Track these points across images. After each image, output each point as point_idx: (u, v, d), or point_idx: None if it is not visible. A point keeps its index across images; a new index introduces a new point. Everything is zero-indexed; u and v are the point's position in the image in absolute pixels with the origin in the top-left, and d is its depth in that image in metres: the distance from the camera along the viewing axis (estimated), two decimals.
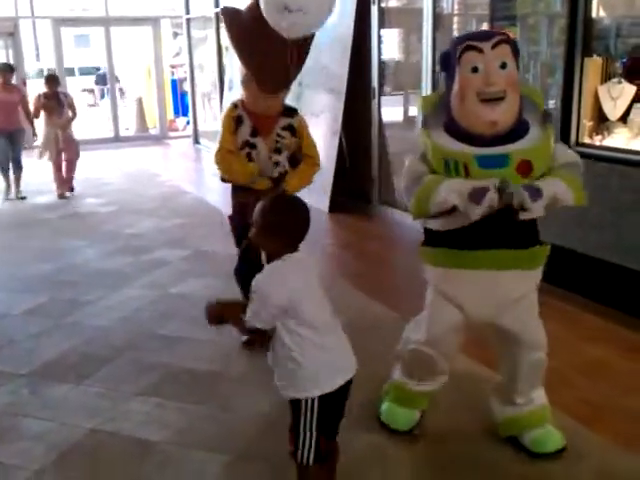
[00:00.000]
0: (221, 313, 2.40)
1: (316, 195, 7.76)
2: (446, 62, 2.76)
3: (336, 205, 7.60)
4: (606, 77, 4.91)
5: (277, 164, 3.90)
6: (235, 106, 3.93)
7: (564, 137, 4.81)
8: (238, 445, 3.09)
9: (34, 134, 9.49)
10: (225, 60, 11.64)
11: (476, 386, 3.47)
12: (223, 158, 3.89)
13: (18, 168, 8.98)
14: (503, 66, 2.58)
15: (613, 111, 4.83)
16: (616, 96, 4.82)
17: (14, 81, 9.28)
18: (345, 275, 5.52)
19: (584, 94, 4.84)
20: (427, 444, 3.07)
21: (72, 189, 9.29)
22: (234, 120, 3.88)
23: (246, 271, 3.43)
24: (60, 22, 13.86)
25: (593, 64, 4.87)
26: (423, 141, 2.75)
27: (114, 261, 6.11)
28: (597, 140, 4.85)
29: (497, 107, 2.57)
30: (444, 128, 2.72)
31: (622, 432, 3.12)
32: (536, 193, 2.49)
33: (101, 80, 18.97)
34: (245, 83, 3.89)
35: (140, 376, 3.81)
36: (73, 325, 4.59)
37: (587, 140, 4.87)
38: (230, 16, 3.82)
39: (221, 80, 11.73)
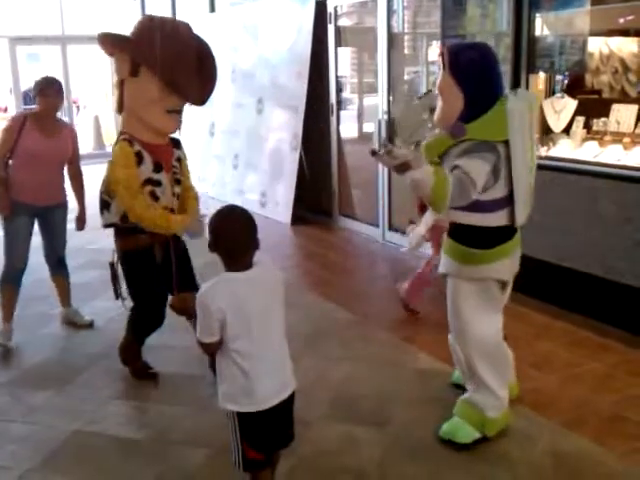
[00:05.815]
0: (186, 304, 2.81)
1: (279, 208, 8.02)
2: None
3: (298, 218, 7.84)
4: (550, 92, 5.27)
5: (178, 196, 3.77)
6: (130, 142, 3.54)
7: None
8: (219, 438, 3.21)
9: (82, 215, 5.20)
10: None
11: (435, 380, 3.78)
12: (138, 204, 3.53)
13: (62, 269, 5.05)
14: None
15: (557, 124, 5.17)
16: (559, 110, 5.17)
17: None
18: (310, 284, 5.74)
19: None
20: (393, 431, 3.31)
21: None
22: (135, 157, 3.53)
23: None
24: (16, 41, 13.85)
25: (537, 80, 5.22)
26: None
27: (81, 275, 6.20)
28: (543, 151, 5.18)
29: None
30: None
31: (569, 416, 3.42)
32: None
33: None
34: (145, 106, 3.55)
35: (118, 382, 3.98)
36: (47, 336, 4.73)
37: None
38: (140, 38, 3.52)
39: None
